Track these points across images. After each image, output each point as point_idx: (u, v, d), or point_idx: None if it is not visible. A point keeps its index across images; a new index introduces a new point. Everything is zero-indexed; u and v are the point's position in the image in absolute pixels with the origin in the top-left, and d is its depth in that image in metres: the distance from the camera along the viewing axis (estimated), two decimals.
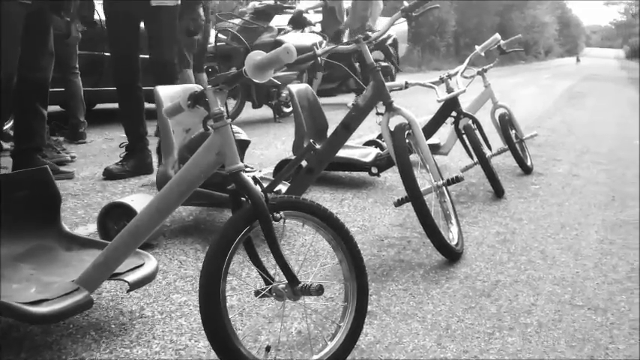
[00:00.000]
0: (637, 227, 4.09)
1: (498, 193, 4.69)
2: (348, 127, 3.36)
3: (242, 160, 3.61)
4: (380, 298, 2.75)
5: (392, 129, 3.31)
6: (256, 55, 1.84)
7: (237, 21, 7.71)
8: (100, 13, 6.64)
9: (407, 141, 3.34)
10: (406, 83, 4.62)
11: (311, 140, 3.40)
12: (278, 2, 7.62)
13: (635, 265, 3.38)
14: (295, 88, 4.85)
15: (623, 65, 42.08)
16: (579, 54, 52.85)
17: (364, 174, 5.02)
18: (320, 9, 10.37)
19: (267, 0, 7.66)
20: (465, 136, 4.67)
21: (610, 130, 8.88)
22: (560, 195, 4.88)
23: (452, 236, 3.39)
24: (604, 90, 17.42)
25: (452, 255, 3.23)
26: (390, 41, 10.96)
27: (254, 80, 1.86)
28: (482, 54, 4.98)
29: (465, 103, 5.67)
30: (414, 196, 3.10)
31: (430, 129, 4.95)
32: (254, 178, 1.99)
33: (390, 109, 3.30)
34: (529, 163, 5.66)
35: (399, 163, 3.14)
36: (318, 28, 9.82)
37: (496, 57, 5.57)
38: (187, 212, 3.85)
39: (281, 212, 1.99)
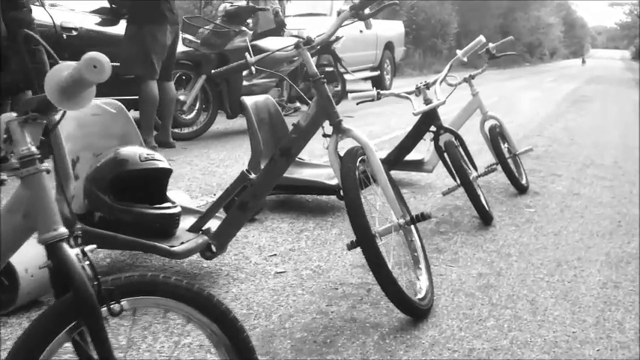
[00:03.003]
0: None
1: (486, 220, 4.03)
2: (287, 152, 2.71)
3: (165, 193, 2.98)
4: None
5: (342, 154, 2.67)
6: (61, 71, 1.20)
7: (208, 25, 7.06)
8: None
9: (361, 168, 2.70)
10: (378, 93, 4.00)
11: (244, 169, 2.77)
12: (250, 3, 6.97)
13: None
14: (251, 100, 4.22)
15: (628, 66, 41.26)
16: (585, 55, 51.85)
17: (333, 197, 4.38)
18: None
19: (239, 1, 7.01)
20: (445, 154, 4.03)
21: (615, 139, 8.20)
22: (558, 221, 4.22)
23: (419, 286, 2.74)
24: (609, 93, 16.70)
25: (416, 313, 2.58)
26: (337, 44, 9.69)
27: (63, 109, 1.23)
28: (465, 59, 4.33)
29: (452, 112, 5.05)
30: (363, 240, 2.46)
31: (407, 145, 4.32)
32: (82, 250, 1.34)
33: (339, 131, 2.66)
34: (524, 181, 4.99)
35: (346, 197, 2.49)
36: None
37: (485, 62, 4.92)
38: (104, 254, 3.21)
39: (123, 301, 1.35)
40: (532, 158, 6.27)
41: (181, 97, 6.71)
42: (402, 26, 16.24)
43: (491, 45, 4.84)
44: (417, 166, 4.92)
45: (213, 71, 2.70)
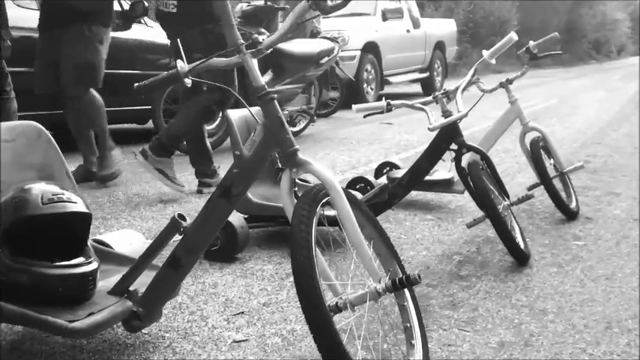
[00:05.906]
0: None
1: (520, 260, 3.26)
2: (227, 193, 2.02)
3: (82, 243, 2.34)
4: None
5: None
6: None
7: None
8: None
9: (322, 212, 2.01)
10: (388, 104, 3.32)
11: (175, 214, 2.11)
12: (269, 3, 6.33)
13: None
14: (238, 113, 3.57)
15: None
16: None
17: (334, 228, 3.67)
18: None
19: (257, 1, 6.38)
20: (469, 178, 3.28)
21: None
22: (612, 258, 3.41)
23: None
24: None
25: None
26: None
27: None
28: (493, 61, 3.57)
29: (489, 120, 4.30)
30: (313, 320, 1.77)
31: (423, 167, 3.59)
32: None
33: (293, 164, 1.96)
34: (573, 205, 4.17)
35: (292, 258, 1.80)
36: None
37: (525, 64, 4.13)
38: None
39: None
40: (588, 172, 5.43)
41: None
42: (454, 25, 15.40)
43: (532, 43, 4.07)
44: (446, 186, 4.19)
45: (135, 85, 2.04)
